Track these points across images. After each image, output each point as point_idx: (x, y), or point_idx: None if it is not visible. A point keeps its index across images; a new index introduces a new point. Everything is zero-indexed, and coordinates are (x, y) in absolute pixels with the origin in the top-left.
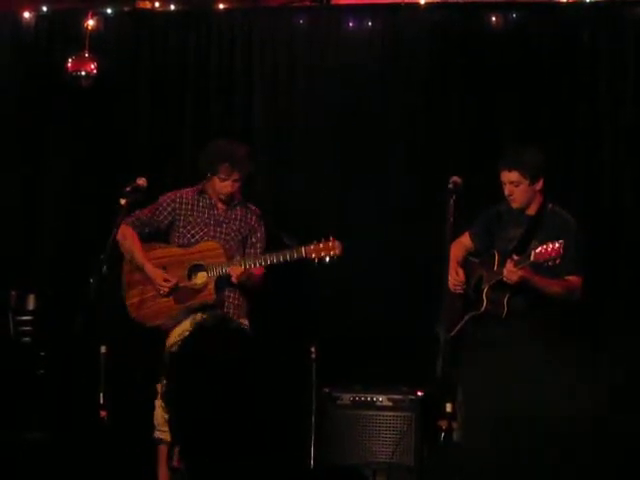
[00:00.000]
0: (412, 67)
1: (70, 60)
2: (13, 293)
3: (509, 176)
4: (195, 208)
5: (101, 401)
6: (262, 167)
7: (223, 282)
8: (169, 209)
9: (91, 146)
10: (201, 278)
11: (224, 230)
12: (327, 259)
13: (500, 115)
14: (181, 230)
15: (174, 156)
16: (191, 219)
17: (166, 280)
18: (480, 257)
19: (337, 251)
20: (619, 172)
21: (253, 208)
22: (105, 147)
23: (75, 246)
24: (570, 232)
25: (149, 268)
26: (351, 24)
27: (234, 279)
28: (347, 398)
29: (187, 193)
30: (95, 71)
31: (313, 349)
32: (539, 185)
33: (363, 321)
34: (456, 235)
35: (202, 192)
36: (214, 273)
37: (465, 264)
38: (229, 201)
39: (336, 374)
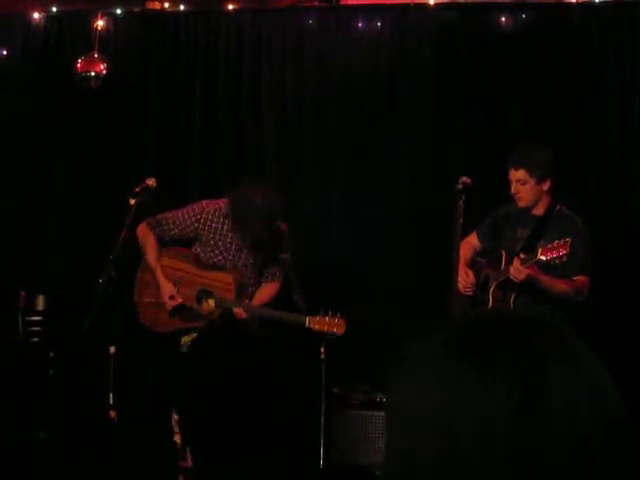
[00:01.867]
0: (421, 67)
1: (79, 61)
2: (23, 293)
3: (516, 174)
4: (219, 231)
5: (110, 401)
6: (269, 165)
7: (228, 315)
8: (193, 227)
9: (101, 146)
10: (209, 306)
11: (244, 256)
12: (328, 334)
13: (509, 115)
14: (203, 247)
15: (184, 156)
16: (212, 242)
17: (172, 297)
18: (487, 257)
19: (341, 330)
20: (627, 173)
21: (281, 233)
22: (115, 147)
23: (84, 246)
24: (577, 232)
25: (160, 278)
26: (360, 24)
27: (237, 317)
28: (356, 398)
29: (215, 212)
30: (104, 72)
31: (322, 349)
32: (546, 185)
33: (372, 321)
34: (465, 235)
35: (228, 216)
36: (221, 306)
37: (472, 264)
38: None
39: (345, 374)
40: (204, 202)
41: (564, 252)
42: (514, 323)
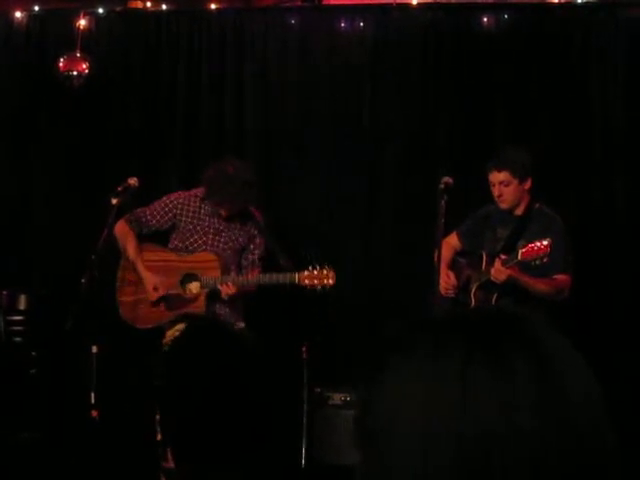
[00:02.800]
0: (404, 67)
1: (62, 60)
2: (4, 293)
3: (499, 176)
4: (197, 215)
5: (92, 401)
6: (253, 164)
7: (214, 295)
8: (171, 214)
9: (83, 146)
10: (194, 288)
11: (222, 239)
12: (319, 288)
13: (491, 115)
14: (180, 235)
15: (166, 156)
16: (191, 226)
17: (155, 289)
18: (468, 257)
19: (331, 281)
20: (610, 171)
21: (255, 214)
22: (97, 147)
23: (67, 246)
24: (557, 231)
25: (142, 271)
26: (343, 24)
27: (223, 296)
28: (338, 398)
29: (191, 198)
30: (87, 71)
31: (304, 349)
32: (527, 184)
33: (354, 321)
34: (446, 235)
35: (204, 199)
36: (207, 285)
37: (453, 264)
38: (224, 217)
39: (327, 374)
40: (179, 192)
41: (544, 252)
42: (517, 319)
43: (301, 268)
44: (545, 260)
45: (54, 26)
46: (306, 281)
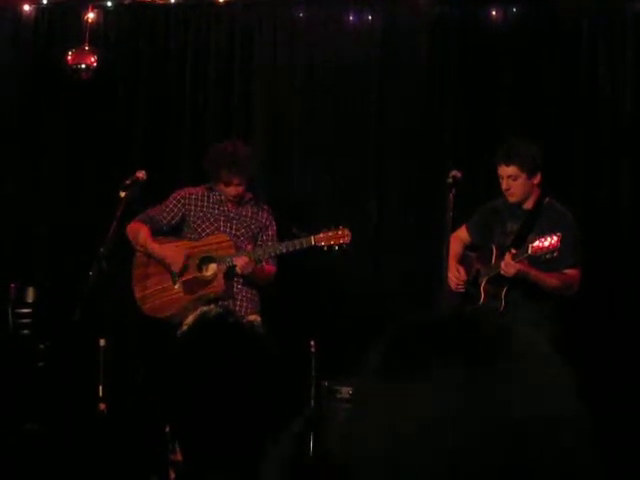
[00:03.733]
0: (411, 60)
1: (70, 53)
2: (12, 286)
3: (507, 170)
4: (205, 204)
5: (100, 394)
6: (258, 156)
7: (232, 274)
8: (179, 205)
9: (91, 139)
10: (211, 269)
11: (234, 226)
12: (336, 248)
13: (499, 109)
14: (192, 225)
15: (173, 149)
16: (201, 214)
17: (177, 249)
18: (477, 251)
19: (347, 239)
20: (617, 165)
21: (265, 206)
22: (105, 140)
23: (74, 239)
24: (567, 225)
25: (159, 251)
26: (351, 17)
27: (238, 269)
28: (346, 391)
29: (197, 190)
30: (95, 64)
31: (312, 342)
32: (537, 179)
33: (362, 314)
34: (455, 229)
35: (212, 189)
36: (224, 265)
37: (462, 259)
38: (238, 201)
39: (335, 367)
40: (186, 188)
41: (555, 247)
42: (445, 326)
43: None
44: (555, 254)
45: (62, 19)
46: (322, 242)
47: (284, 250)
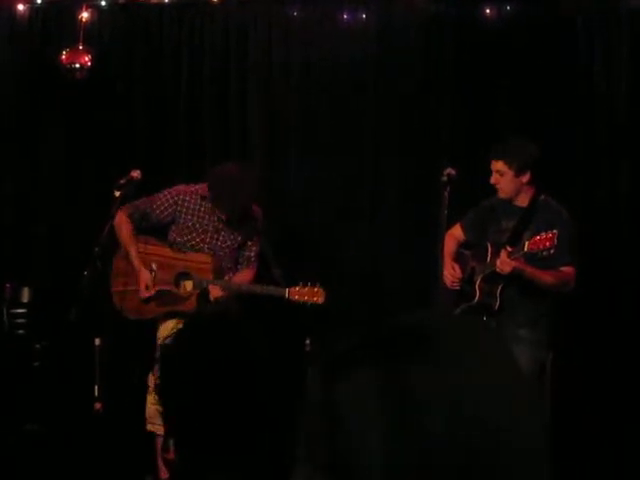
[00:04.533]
0: (407, 59)
1: (64, 52)
2: (8, 286)
3: (496, 165)
4: (196, 213)
5: (96, 393)
6: (256, 156)
7: (206, 297)
8: (171, 209)
9: (86, 138)
10: (187, 287)
11: (221, 238)
12: (309, 305)
13: (495, 107)
14: (179, 231)
15: (169, 148)
16: (190, 223)
17: (147, 287)
18: (472, 249)
19: (320, 299)
20: (616, 163)
21: (256, 216)
22: (100, 139)
23: (70, 238)
24: (563, 223)
25: (137, 266)
26: (345, 16)
27: (211, 297)
28: None
29: (191, 194)
30: (89, 63)
31: (307, 341)
32: (525, 178)
33: (356, 313)
34: (450, 227)
35: (206, 197)
36: (199, 286)
37: (457, 256)
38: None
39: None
40: (180, 186)
41: (551, 244)
42: (370, 336)
43: (291, 283)
44: (552, 252)
45: (56, 19)
46: (296, 296)
47: (256, 292)
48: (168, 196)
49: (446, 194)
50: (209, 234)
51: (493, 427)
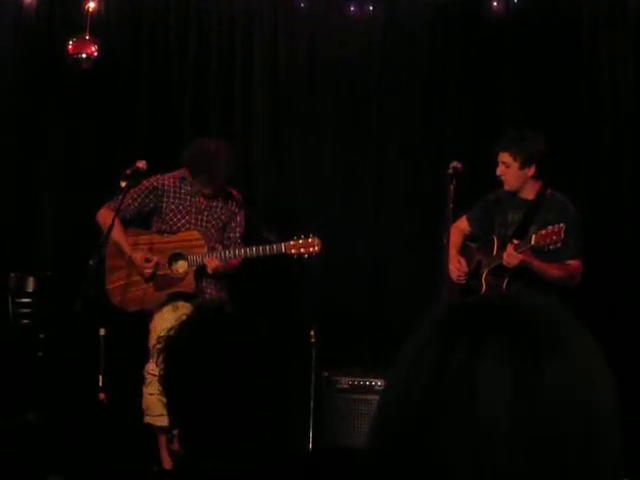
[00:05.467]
0: (413, 51)
1: (71, 42)
2: (12, 275)
3: (502, 156)
4: (177, 195)
5: (100, 383)
6: (259, 149)
7: (202, 272)
8: (151, 196)
9: (92, 128)
10: (182, 267)
11: (205, 218)
12: (306, 256)
13: (501, 100)
14: (163, 217)
15: (174, 138)
16: (173, 206)
17: (148, 260)
18: (478, 242)
19: (317, 248)
20: (618, 157)
21: (235, 193)
22: (106, 129)
23: (75, 228)
24: (569, 216)
25: (129, 251)
26: (352, 8)
27: (210, 270)
28: (346, 382)
29: (169, 179)
30: (96, 53)
31: (312, 333)
32: (531, 171)
33: (363, 305)
34: (455, 220)
35: (184, 178)
36: (194, 263)
37: (463, 249)
38: (207, 195)
39: (335, 358)
40: (157, 175)
41: (558, 238)
42: (506, 307)
43: (286, 238)
44: (559, 245)
45: (63, 9)
46: (292, 250)
47: (253, 254)
48: (147, 184)
49: (452, 188)
50: (193, 215)
51: (596, 411)
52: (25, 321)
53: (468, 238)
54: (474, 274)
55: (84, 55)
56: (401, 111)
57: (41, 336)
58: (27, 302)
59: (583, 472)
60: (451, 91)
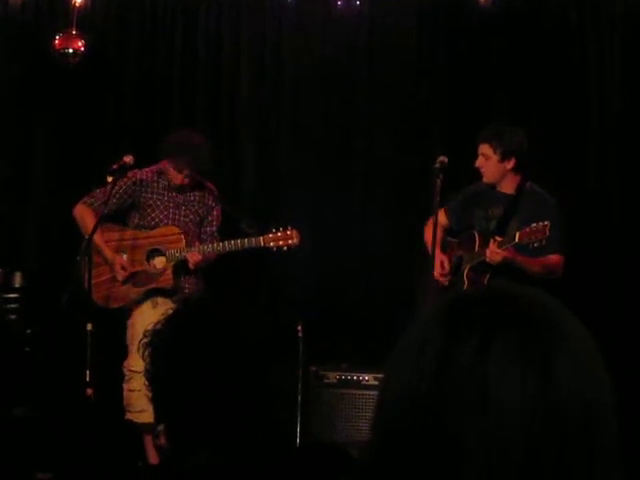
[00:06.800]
0: (400, 46)
1: (57, 38)
2: (0, 270)
3: (482, 148)
4: (155, 190)
5: (87, 378)
6: (247, 144)
7: (181, 268)
8: (129, 191)
9: (78, 124)
10: (160, 263)
11: (183, 213)
12: (285, 248)
13: (489, 95)
14: (141, 212)
15: (162, 133)
16: (151, 201)
17: (123, 268)
18: (458, 237)
19: (295, 241)
20: (606, 155)
21: (211, 188)
22: (92, 125)
23: (62, 223)
24: (550, 210)
25: (107, 252)
26: (339, 3)
27: (191, 265)
28: (333, 377)
29: (147, 173)
30: (83, 48)
31: (299, 327)
32: (510, 164)
33: (350, 299)
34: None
35: (161, 173)
36: (173, 258)
37: (443, 245)
38: (179, 189)
39: (323, 353)
40: (134, 170)
41: (543, 236)
42: (513, 302)
43: (264, 231)
44: (543, 243)
45: (49, 4)
46: (271, 243)
47: (232, 247)
48: (125, 178)
49: (438, 182)
50: (170, 210)
51: (598, 408)
52: (12, 316)
53: (446, 231)
54: (455, 270)
55: (71, 50)
56: (388, 105)
57: (28, 332)
58: (14, 297)
59: (582, 467)
60: (439, 85)
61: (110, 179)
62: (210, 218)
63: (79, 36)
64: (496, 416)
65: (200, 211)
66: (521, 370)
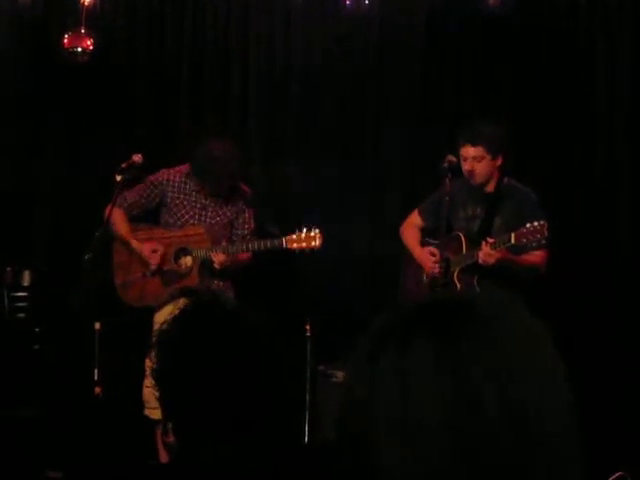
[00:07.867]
0: (409, 44)
1: (66, 36)
2: (8, 269)
3: (473, 151)
4: (183, 190)
5: (95, 377)
6: (256, 140)
7: (207, 267)
8: (157, 191)
9: (88, 122)
10: (186, 262)
11: (209, 214)
12: (307, 250)
13: (496, 94)
14: (169, 210)
15: (171, 132)
16: (178, 201)
17: (154, 250)
18: (439, 239)
19: (318, 243)
20: (615, 154)
21: (244, 190)
22: (102, 123)
23: (71, 222)
24: (532, 205)
25: (136, 244)
26: (347, 2)
27: (216, 265)
28: (342, 375)
29: (176, 174)
30: (92, 47)
31: (308, 326)
32: (499, 161)
33: (359, 298)
34: (451, 214)
35: (190, 174)
36: (199, 258)
37: (422, 246)
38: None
39: (331, 351)
40: (163, 170)
41: (542, 235)
42: (429, 307)
43: (287, 232)
44: (543, 242)
45: (58, 2)
46: (294, 245)
47: (255, 247)
48: (152, 179)
49: (447, 181)
50: (197, 210)
51: (533, 412)
52: (21, 315)
53: (422, 231)
54: (444, 273)
55: (80, 49)
56: (397, 103)
57: (37, 330)
58: (23, 296)
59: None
60: (447, 84)
61: (119, 178)
62: (241, 220)
63: (88, 35)
64: (415, 416)
65: (228, 213)
66: (435, 379)
